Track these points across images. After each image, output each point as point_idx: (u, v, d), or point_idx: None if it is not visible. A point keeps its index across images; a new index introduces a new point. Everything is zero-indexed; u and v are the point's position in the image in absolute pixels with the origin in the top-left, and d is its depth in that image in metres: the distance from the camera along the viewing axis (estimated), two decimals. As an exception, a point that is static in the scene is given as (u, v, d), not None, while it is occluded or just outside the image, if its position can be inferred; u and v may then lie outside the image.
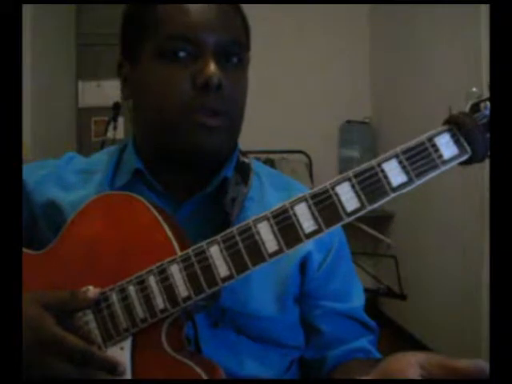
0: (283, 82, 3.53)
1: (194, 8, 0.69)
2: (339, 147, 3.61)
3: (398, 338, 3.05)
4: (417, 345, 2.93)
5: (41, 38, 3.04)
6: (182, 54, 0.68)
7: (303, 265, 0.76)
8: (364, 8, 3.64)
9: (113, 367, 0.61)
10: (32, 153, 2.75)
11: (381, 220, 3.41)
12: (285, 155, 3.52)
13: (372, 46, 3.69)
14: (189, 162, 0.72)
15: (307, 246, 0.74)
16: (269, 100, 3.45)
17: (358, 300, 0.81)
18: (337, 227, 0.78)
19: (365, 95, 3.70)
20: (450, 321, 2.59)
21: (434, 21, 2.76)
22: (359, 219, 3.41)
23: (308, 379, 0.78)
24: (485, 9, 2.23)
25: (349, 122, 3.56)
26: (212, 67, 0.66)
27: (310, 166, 3.55)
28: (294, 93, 3.54)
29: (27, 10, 2.81)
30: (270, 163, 3.33)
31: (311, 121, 3.54)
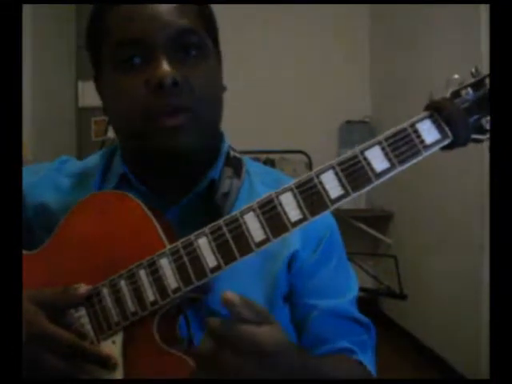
0: (283, 82, 3.53)
1: (138, 9, 0.67)
2: (339, 147, 3.61)
3: (398, 338, 3.05)
4: (417, 344, 2.93)
5: (41, 38, 3.04)
6: (135, 59, 0.66)
7: (290, 264, 0.75)
8: (364, 8, 3.64)
9: (104, 361, 0.62)
10: (32, 153, 2.75)
11: (381, 220, 3.41)
12: (285, 155, 3.52)
13: (372, 45, 3.69)
14: (164, 166, 0.71)
15: (295, 244, 0.74)
16: (269, 100, 3.45)
17: (348, 294, 0.80)
18: (329, 223, 0.79)
19: (365, 95, 3.71)
20: (450, 320, 2.59)
21: (434, 21, 2.76)
22: (359, 219, 3.42)
23: (307, 379, 0.77)
24: (485, 9, 2.23)
25: (349, 121, 3.57)
26: (164, 66, 0.64)
27: (309, 166, 3.55)
28: (294, 93, 3.54)
29: (27, 10, 2.81)
30: (270, 163, 3.33)
31: (311, 121, 3.54)
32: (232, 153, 0.79)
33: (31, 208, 0.78)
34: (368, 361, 0.79)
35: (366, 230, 3.38)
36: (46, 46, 3.18)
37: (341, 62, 3.63)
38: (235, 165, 0.77)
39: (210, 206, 0.72)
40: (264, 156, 3.36)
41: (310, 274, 0.76)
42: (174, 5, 0.68)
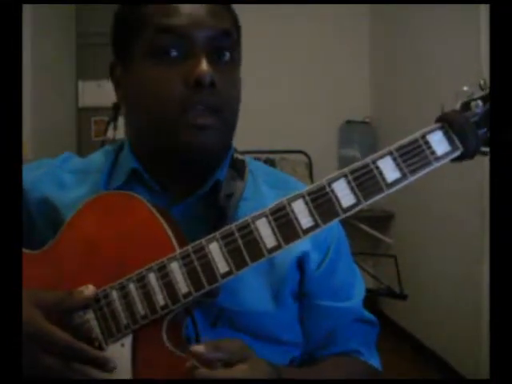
0: (283, 82, 3.53)
1: (182, 5, 0.68)
2: (339, 147, 3.61)
3: (398, 338, 3.05)
4: (417, 345, 2.93)
5: (41, 38, 3.04)
6: (172, 52, 0.67)
7: (301, 264, 0.76)
8: (364, 8, 3.64)
9: (102, 363, 0.61)
10: (32, 153, 2.75)
11: (381, 220, 3.41)
12: (285, 155, 3.52)
13: (372, 45, 3.69)
14: (183, 162, 0.71)
15: (304, 245, 0.74)
16: (269, 100, 3.45)
17: (357, 296, 0.81)
18: (335, 224, 0.79)
19: (365, 95, 3.71)
20: (450, 320, 2.59)
21: (434, 21, 2.76)
22: (359, 219, 3.42)
23: (308, 379, 0.78)
24: (485, 9, 2.23)
25: (349, 122, 3.57)
26: (204, 65, 0.66)
27: (310, 165, 3.55)
28: (294, 93, 3.54)
29: (27, 10, 2.81)
30: (270, 163, 3.33)
31: (311, 121, 3.54)
32: (235, 154, 0.80)
33: (35, 203, 0.77)
34: (375, 359, 0.82)
35: (366, 230, 3.38)
36: (46, 45, 3.18)
37: (341, 62, 3.63)
38: (239, 166, 0.78)
39: (214, 207, 0.72)
40: (264, 156, 3.37)
41: (321, 276, 0.77)
42: (214, 7, 0.70)
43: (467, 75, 2.29)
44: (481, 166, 2.15)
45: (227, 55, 0.70)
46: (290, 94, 3.54)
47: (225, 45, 0.70)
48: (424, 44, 2.90)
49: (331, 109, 3.55)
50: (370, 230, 3.39)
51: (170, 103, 0.67)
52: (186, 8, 0.68)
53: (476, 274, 2.30)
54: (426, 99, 2.81)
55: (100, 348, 0.64)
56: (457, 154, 0.57)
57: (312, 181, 3.41)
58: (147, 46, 0.68)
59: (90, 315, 0.65)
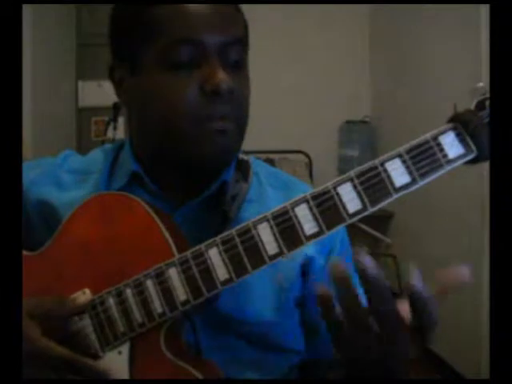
0: (283, 82, 3.53)
1: (195, 9, 0.66)
2: (339, 147, 3.61)
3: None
4: (417, 345, 2.93)
5: (41, 38, 3.04)
6: (185, 59, 0.65)
7: (305, 269, 0.74)
8: (364, 8, 3.64)
9: (103, 376, 0.60)
10: (32, 153, 2.75)
11: (381, 220, 3.41)
12: (285, 155, 3.52)
13: (372, 46, 3.70)
14: (196, 168, 0.70)
15: (308, 250, 0.73)
16: (269, 100, 3.45)
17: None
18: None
19: (365, 95, 3.71)
20: (450, 321, 2.59)
21: (434, 21, 2.76)
22: (359, 219, 3.41)
23: (308, 379, 0.77)
24: (485, 9, 2.23)
25: (349, 121, 3.57)
26: (220, 73, 0.64)
27: (310, 165, 3.55)
28: (294, 93, 3.54)
29: (27, 9, 2.81)
30: (270, 163, 3.33)
31: (311, 121, 3.54)
32: (240, 156, 0.78)
33: (33, 203, 0.76)
34: None
35: (366, 230, 3.38)
36: (46, 45, 3.18)
37: (341, 62, 3.63)
38: (243, 167, 0.77)
39: (218, 208, 0.71)
40: (264, 156, 3.37)
41: (327, 278, 0.76)
42: (226, 10, 0.68)
43: (467, 75, 2.29)
44: (481, 165, 2.15)
45: (239, 60, 0.69)
46: (290, 93, 3.54)
47: (237, 50, 0.68)
48: (424, 44, 2.90)
49: (331, 109, 3.55)
50: (369, 230, 3.39)
51: (186, 113, 0.65)
52: (198, 14, 0.65)
53: (476, 274, 2.29)
54: (425, 99, 2.81)
55: (96, 355, 0.63)
56: (471, 156, 0.54)
57: (312, 181, 3.41)
58: (159, 53, 0.66)
59: (86, 322, 0.63)
